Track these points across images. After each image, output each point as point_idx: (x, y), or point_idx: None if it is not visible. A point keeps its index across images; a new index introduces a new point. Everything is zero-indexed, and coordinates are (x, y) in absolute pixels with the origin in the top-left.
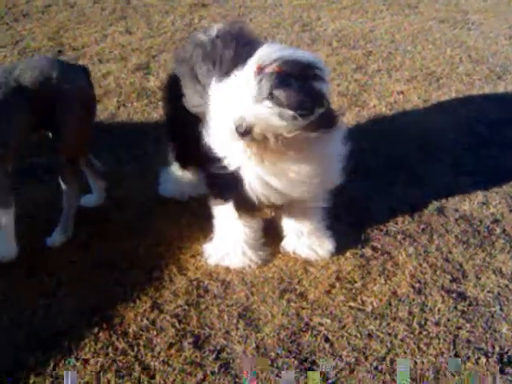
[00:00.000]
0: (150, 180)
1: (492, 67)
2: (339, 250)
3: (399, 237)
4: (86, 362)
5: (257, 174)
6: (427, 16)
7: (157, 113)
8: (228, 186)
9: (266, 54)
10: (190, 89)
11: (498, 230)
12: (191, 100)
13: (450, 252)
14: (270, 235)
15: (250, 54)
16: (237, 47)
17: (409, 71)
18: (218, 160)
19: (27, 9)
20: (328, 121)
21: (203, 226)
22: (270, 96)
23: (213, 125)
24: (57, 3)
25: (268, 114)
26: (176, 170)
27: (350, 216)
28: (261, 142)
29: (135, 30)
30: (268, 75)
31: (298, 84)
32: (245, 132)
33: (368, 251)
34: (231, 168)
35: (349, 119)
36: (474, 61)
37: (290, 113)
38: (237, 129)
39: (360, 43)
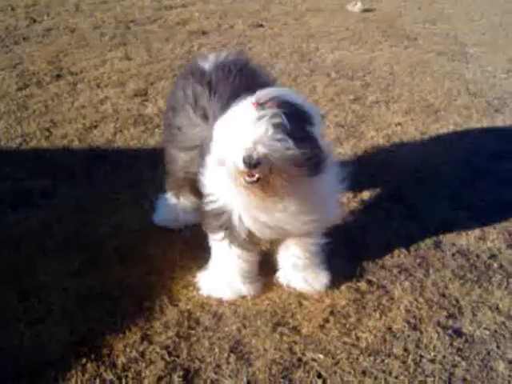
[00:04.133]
0: (145, 207)
1: (490, 100)
2: (334, 283)
3: (395, 271)
4: None
5: (245, 209)
6: (426, 48)
7: (153, 139)
8: (218, 219)
9: (265, 93)
10: (187, 120)
11: (495, 266)
12: (188, 131)
13: (447, 287)
14: (264, 267)
15: (251, 87)
16: (240, 79)
17: (407, 103)
18: (209, 194)
19: (27, 32)
20: (314, 164)
21: (196, 255)
22: (278, 129)
23: (209, 158)
24: (57, 27)
25: (280, 144)
26: (171, 197)
27: (346, 249)
28: (266, 176)
29: (134, 56)
30: (270, 112)
31: (296, 123)
32: (256, 163)
33: (363, 285)
34: (221, 203)
35: (346, 150)
36: (472, 93)
37: (293, 145)
38: (245, 159)
39: (358, 74)
